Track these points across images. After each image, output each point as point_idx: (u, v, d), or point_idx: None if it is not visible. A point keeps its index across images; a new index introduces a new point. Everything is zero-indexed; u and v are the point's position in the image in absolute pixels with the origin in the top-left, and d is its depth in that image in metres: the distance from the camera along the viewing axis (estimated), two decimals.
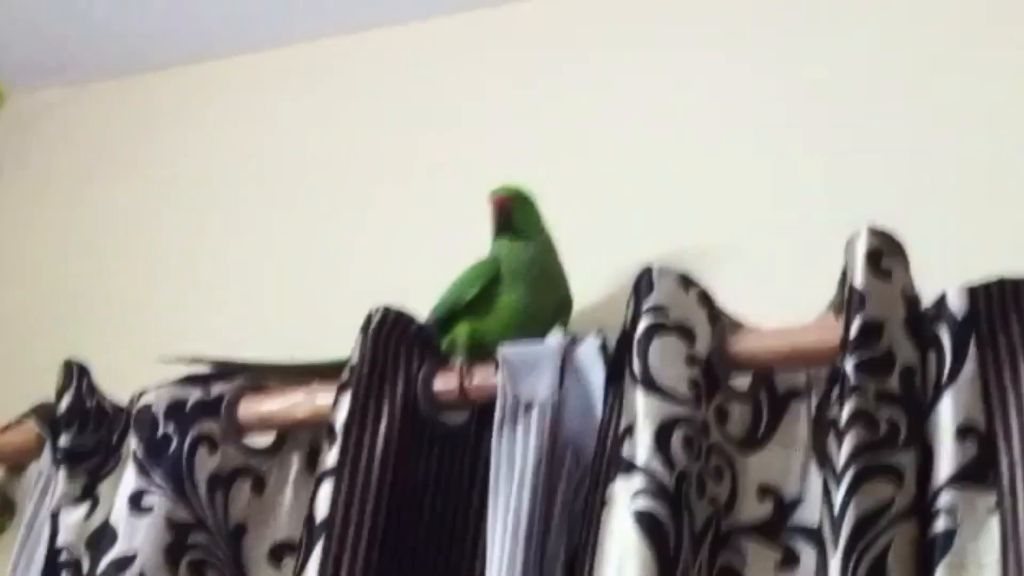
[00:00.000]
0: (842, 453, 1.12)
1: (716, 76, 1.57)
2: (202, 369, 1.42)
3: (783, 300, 1.30)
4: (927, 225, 1.31)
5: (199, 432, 1.37)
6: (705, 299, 1.25)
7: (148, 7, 1.78)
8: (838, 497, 1.11)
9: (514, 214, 1.37)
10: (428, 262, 1.52)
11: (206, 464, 1.36)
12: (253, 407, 1.39)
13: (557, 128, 1.61)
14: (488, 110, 1.66)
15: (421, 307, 1.37)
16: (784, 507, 1.22)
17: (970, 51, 1.48)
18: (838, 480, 1.12)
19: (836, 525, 1.11)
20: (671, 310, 1.22)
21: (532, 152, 1.60)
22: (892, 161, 1.44)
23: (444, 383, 1.32)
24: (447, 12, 1.70)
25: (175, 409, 1.38)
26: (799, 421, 1.24)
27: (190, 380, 1.41)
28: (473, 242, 1.41)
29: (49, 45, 1.85)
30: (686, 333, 1.22)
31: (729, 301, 1.27)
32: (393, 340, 1.33)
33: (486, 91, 1.68)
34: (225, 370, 1.42)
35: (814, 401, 1.24)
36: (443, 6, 1.70)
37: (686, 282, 1.25)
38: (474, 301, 1.37)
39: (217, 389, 1.40)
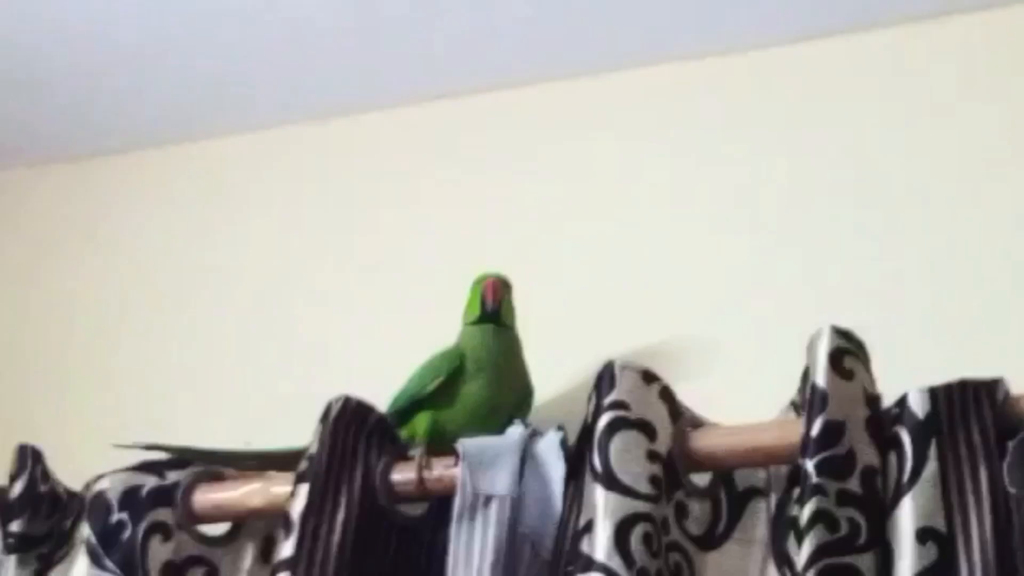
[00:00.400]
0: (802, 553, 1.12)
1: (686, 173, 1.57)
2: (158, 456, 1.40)
3: (746, 398, 1.31)
4: (889, 325, 1.32)
5: (153, 520, 1.35)
6: (667, 395, 1.25)
7: (107, 92, 1.77)
8: None
9: (502, 302, 1.37)
10: (389, 351, 1.51)
11: (159, 552, 1.34)
12: (209, 495, 1.37)
13: (524, 218, 1.61)
14: (455, 199, 1.66)
15: (382, 397, 1.36)
16: None
17: (934, 151, 1.50)
18: None
19: None
20: (632, 406, 1.22)
21: (499, 241, 1.60)
22: (856, 261, 1.45)
23: (403, 475, 1.30)
24: (415, 101, 1.70)
25: (130, 496, 1.36)
26: (758, 520, 1.24)
27: (146, 467, 1.39)
28: (436, 331, 1.41)
29: (7, 126, 1.84)
30: (647, 429, 1.21)
31: (692, 398, 1.27)
32: (352, 430, 1.32)
33: (453, 180, 1.68)
34: (181, 457, 1.40)
35: (774, 500, 1.23)
36: (412, 95, 1.70)
37: (648, 377, 1.24)
38: (436, 391, 1.36)
39: (173, 476, 1.38)
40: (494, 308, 1.37)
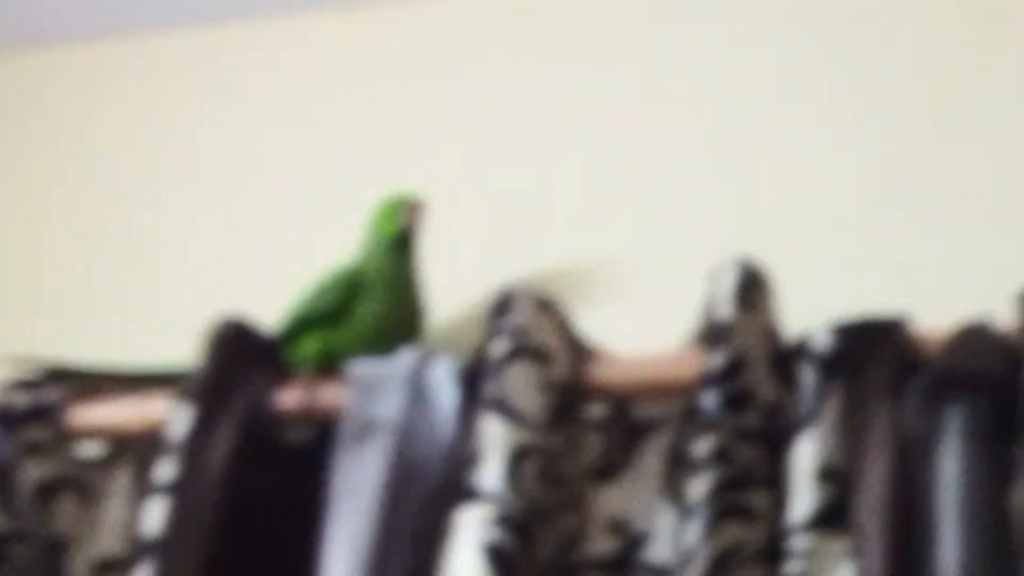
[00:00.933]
0: (698, 491, 1.13)
1: (592, 97, 1.56)
2: (32, 372, 1.38)
3: (650, 328, 1.30)
4: (795, 261, 1.32)
5: (26, 439, 1.33)
6: (564, 323, 1.25)
7: None
8: (692, 536, 1.11)
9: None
10: (282, 271, 1.49)
11: (32, 472, 1.31)
12: (84, 414, 1.34)
13: (427, 138, 1.59)
14: (359, 115, 1.63)
15: (273, 317, 1.35)
16: (633, 543, 1.21)
17: (844, 95, 1.50)
18: (692, 518, 1.12)
19: (688, 564, 1.11)
20: (529, 334, 1.21)
21: (398, 159, 1.58)
22: (767, 195, 1.46)
23: (289, 399, 1.29)
24: (320, 10, 1.66)
25: (2, 414, 1.34)
26: (654, 455, 1.24)
27: (19, 384, 1.36)
28: (331, 251, 1.40)
29: None
30: (543, 358, 1.21)
31: (594, 327, 1.27)
32: (238, 351, 1.30)
33: (356, 95, 1.65)
34: (57, 374, 1.38)
35: (670, 435, 1.23)
36: (317, 4, 1.67)
37: (545, 305, 1.24)
38: (330, 312, 1.35)
39: (47, 394, 1.35)
40: (411, 231, 1.35)
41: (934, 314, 1.20)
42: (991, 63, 1.44)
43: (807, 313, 1.21)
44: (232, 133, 1.67)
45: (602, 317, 1.31)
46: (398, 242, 1.36)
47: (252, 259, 1.58)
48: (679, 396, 1.22)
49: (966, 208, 1.39)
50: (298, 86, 1.66)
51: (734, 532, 1.12)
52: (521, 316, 1.23)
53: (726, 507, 1.12)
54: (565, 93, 1.56)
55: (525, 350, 1.21)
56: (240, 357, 1.31)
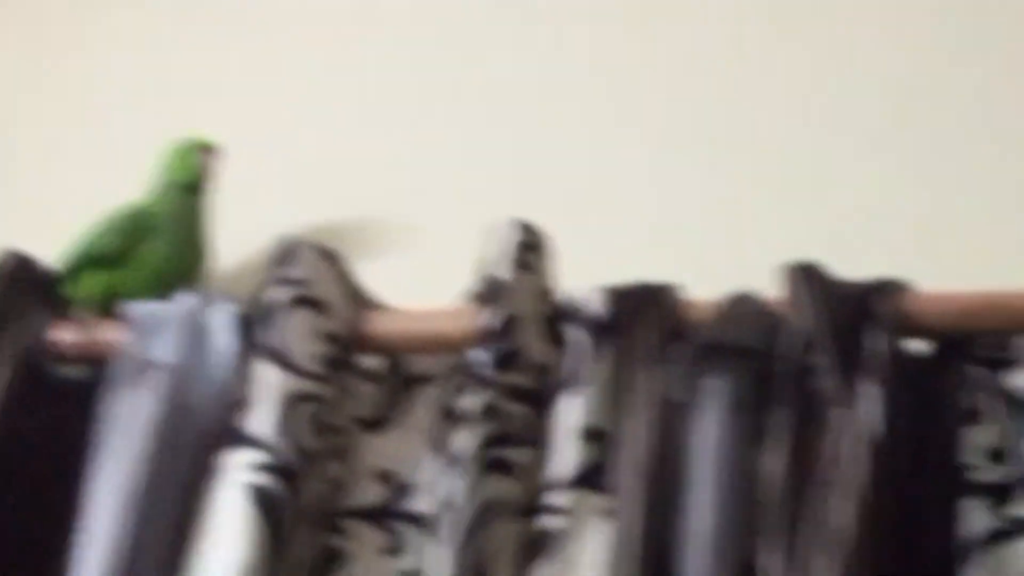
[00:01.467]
0: (464, 445, 1.15)
1: (386, 50, 1.57)
2: None
3: (433, 283, 1.30)
4: (572, 224, 1.33)
5: None
6: (345, 275, 1.25)
7: None
8: (455, 489, 1.13)
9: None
10: (66, 208, 1.46)
11: None
12: None
13: (220, 82, 1.58)
14: (153, 58, 1.62)
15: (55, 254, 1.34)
16: (398, 493, 1.23)
17: (620, 61, 1.54)
18: (457, 472, 1.14)
19: (451, 517, 1.13)
20: (309, 284, 1.22)
21: (191, 101, 1.57)
22: (553, 158, 1.48)
23: (66, 335, 1.27)
24: None
25: None
26: (424, 408, 1.26)
27: None
28: (117, 190, 1.39)
29: None
30: (322, 308, 1.22)
31: (377, 280, 1.28)
32: (16, 286, 1.28)
33: (151, 39, 1.64)
34: None
35: (442, 389, 1.25)
36: None
37: (326, 255, 1.25)
38: (115, 251, 1.33)
39: None
40: (204, 176, 1.35)
41: (706, 284, 1.23)
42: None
43: (582, 276, 1.22)
44: (19, 67, 1.66)
45: (385, 271, 1.31)
46: (189, 186, 1.35)
47: (36, 195, 1.56)
48: (453, 352, 1.23)
49: (742, 178, 1.44)
50: (93, 24, 1.64)
51: (497, 487, 1.14)
52: (302, 266, 1.23)
53: (491, 462, 1.14)
54: (358, 50, 1.57)
55: (304, 300, 1.21)
56: (19, 291, 1.28)
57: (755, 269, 1.23)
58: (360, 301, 1.26)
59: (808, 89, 1.51)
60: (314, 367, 1.19)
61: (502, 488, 1.15)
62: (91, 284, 1.31)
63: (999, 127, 1.45)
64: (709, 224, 1.41)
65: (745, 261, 1.32)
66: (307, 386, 1.18)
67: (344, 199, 1.46)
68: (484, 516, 1.13)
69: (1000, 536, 1.12)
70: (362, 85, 1.56)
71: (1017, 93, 1.48)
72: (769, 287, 1.19)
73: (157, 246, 1.33)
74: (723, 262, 1.34)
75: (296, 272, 1.22)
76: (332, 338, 1.21)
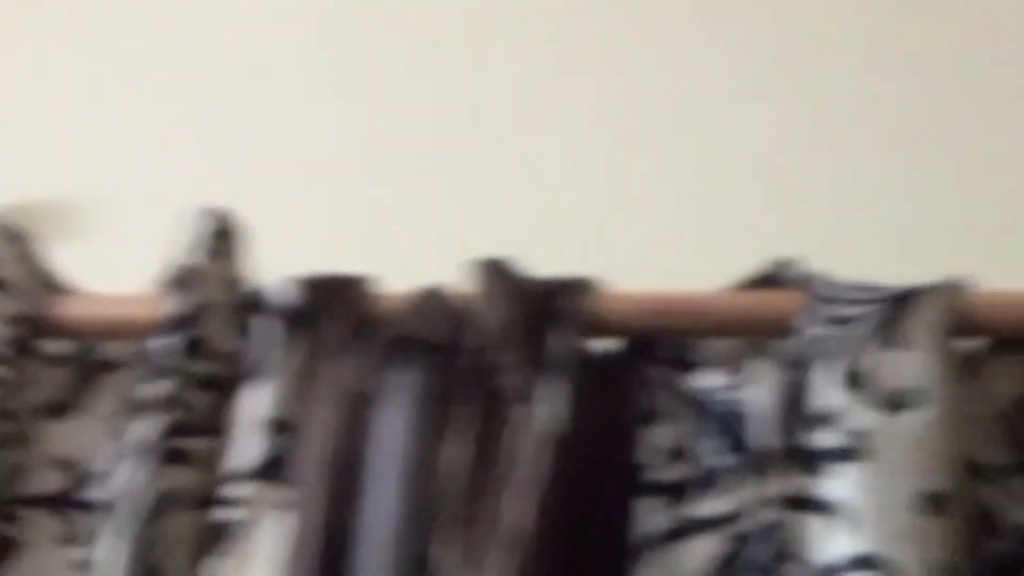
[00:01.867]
0: (144, 434, 1.15)
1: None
2: None
3: (131, 267, 1.25)
4: (271, 215, 1.35)
5: None
6: (30, 258, 1.24)
7: None
8: (134, 478, 1.14)
9: None
10: None
11: None
12: None
13: None
14: None
15: None
16: (78, 481, 1.23)
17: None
18: (136, 460, 1.15)
19: (128, 507, 1.14)
20: None
21: None
22: (246, 149, 1.50)
23: None
24: None
25: None
26: (109, 395, 1.25)
27: None
28: None
29: None
30: (3, 290, 1.21)
31: (73, 262, 1.27)
32: None
33: None
34: None
35: (128, 376, 1.25)
36: None
37: (10, 236, 1.24)
38: None
39: None
40: None
41: (404, 277, 1.24)
42: None
43: (278, 267, 1.23)
44: None
45: (80, 254, 1.30)
46: None
47: None
48: (142, 338, 1.23)
49: (446, 176, 1.47)
50: None
51: (175, 477, 1.15)
52: None
53: (170, 452, 1.15)
54: (50, 31, 1.57)
55: None
56: None
57: (456, 263, 1.27)
58: (48, 284, 1.25)
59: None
60: None
61: (181, 478, 1.15)
62: None
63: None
64: (410, 217, 1.44)
65: (447, 254, 1.35)
66: None
67: (39, 179, 1.46)
68: (161, 506, 1.13)
69: (674, 535, 1.17)
70: (57, 67, 1.56)
71: None
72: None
73: None
74: (425, 255, 1.37)
75: None
76: (15, 320, 1.21)
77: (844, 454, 1.15)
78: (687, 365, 1.26)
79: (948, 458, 1.15)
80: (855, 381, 1.17)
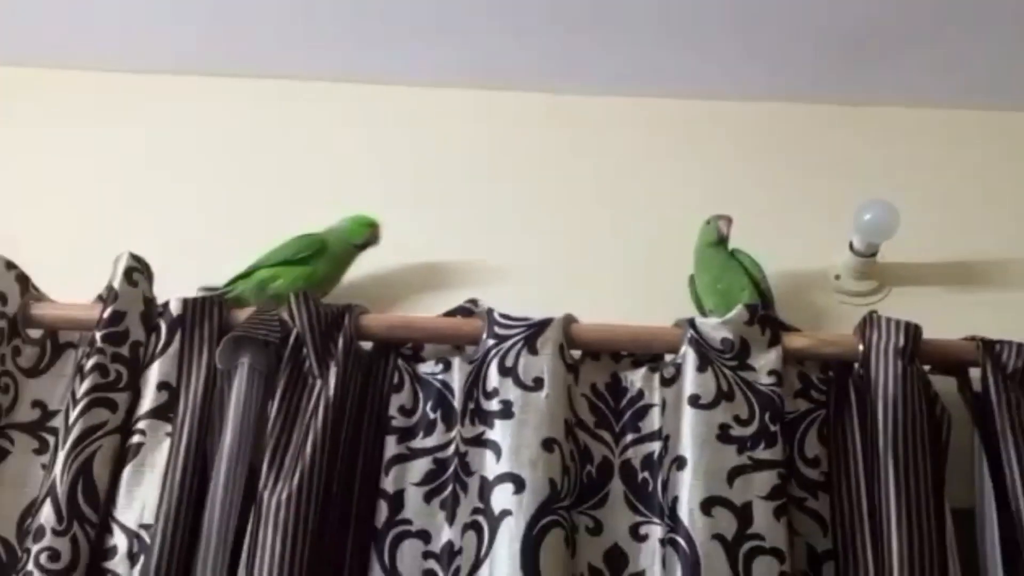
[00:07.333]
0: (81, 388, 1.46)
1: None
2: None
3: (77, 286, 1.60)
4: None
5: None
6: (22, 278, 1.56)
7: None
8: (72, 415, 1.46)
9: None
10: None
11: None
12: None
13: None
14: None
15: None
16: (45, 414, 1.54)
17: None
18: (75, 403, 1.47)
19: (67, 432, 1.46)
20: None
21: None
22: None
23: None
24: None
25: None
26: (69, 361, 1.57)
27: None
28: None
29: None
30: (1, 298, 1.53)
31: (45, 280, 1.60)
32: None
33: None
34: None
35: (80, 352, 1.57)
36: None
37: (9, 265, 1.56)
38: None
39: None
40: None
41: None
42: None
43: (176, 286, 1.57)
44: None
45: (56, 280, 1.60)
46: None
47: None
48: (87, 330, 1.55)
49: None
50: None
51: (101, 415, 1.47)
52: None
53: (97, 400, 1.47)
54: None
55: None
56: None
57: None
58: (29, 294, 1.56)
59: None
60: None
61: (103, 417, 1.47)
62: None
63: None
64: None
65: None
66: None
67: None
68: (90, 433, 1.45)
69: (405, 458, 1.52)
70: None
71: None
72: None
73: None
74: None
75: None
76: (6, 316, 1.52)
77: (502, 414, 1.51)
78: (418, 358, 1.61)
79: (558, 418, 1.50)
80: (509, 372, 1.53)
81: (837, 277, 1.83)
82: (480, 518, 1.46)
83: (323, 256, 1.70)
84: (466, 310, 1.63)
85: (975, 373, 1.58)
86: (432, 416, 1.58)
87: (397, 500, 1.52)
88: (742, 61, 1.92)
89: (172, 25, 1.89)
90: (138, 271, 1.59)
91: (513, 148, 1.95)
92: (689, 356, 1.56)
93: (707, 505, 1.47)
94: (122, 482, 1.50)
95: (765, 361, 1.58)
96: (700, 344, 1.56)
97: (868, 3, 1.82)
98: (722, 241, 1.70)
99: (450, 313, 1.63)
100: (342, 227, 1.74)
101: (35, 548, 1.43)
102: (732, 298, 1.65)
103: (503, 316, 1.58)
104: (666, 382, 1.58)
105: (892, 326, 1.57)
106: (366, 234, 1.74)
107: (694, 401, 1.53)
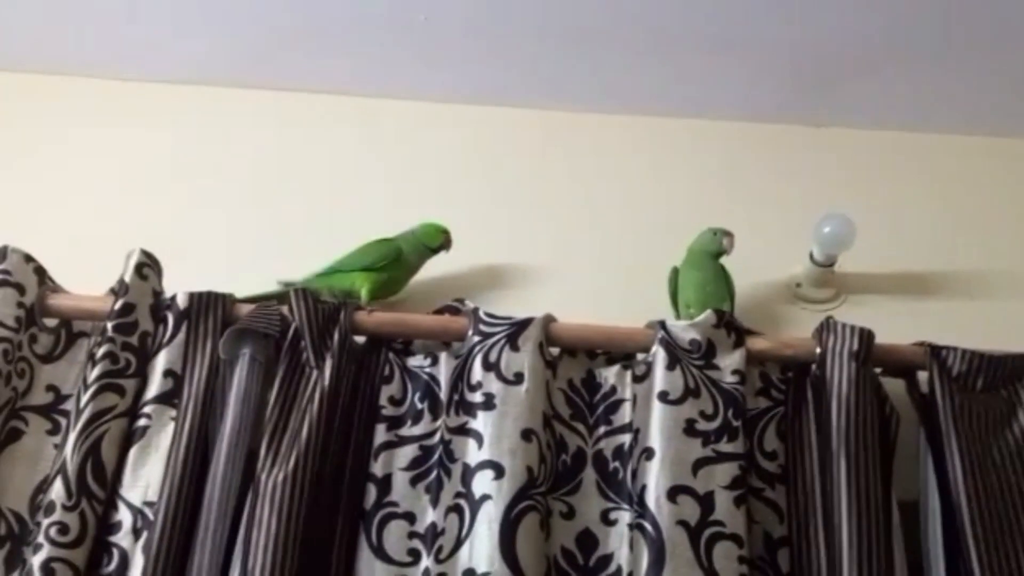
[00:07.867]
0: (92, 374, 1.51)
1: None
2: None
3: (96, 278, 1.64)
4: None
5: None
6: (40, 271, 1.62)
7: None
8: (83, 399, 1.50)
9: None
10: None
11: None
12: None
13: None
14: None
15: None
16: (58, 398, 1.59)
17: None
18: (86, 388, 1.51)
19: (78, 415, 1.51)
20: (13, 273, 1.59)
21: None
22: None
23: None
24: None
25: None
26: (82, 349, 1.62)
27: None
28: None
29: None
30: (20, 289, 1.59)
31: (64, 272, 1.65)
32: None
33: None
34: None
35: (92, 340, 1.62)
36: None
37: (28, 258, 1.62)
38: None
39: None
40: None
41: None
42: None
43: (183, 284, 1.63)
44: None
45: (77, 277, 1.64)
46: None
47: None
48: (99, 320, 1.60)
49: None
50: None
51: (110, 399, 1.52)
52: (11, 263, 1.58)
53: (108, 384, 1.52)
54: None
55: (10, 283, 1.57)
56: None
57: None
58: (46, 285, 1.62)
59: None
60: (10, 323, 1.55)
61: (112, 401, 1.52)
62: None
63: None
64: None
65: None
66: (4, 333, 1.54)
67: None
68: (97, 417, 1.50)
69: (394, 445, 1.57)
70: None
71: None
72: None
73: None
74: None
75: (5, 266, 1.58)
76: (24, 306, 1.58)
77: (485, 406, 1.56)
78: (408, 352, 1.67)
79: (536, 410, 1.56)
80: (492, 366, 1.59)
81: (798, 285, 1.91)
82: (462, 501, 1.52)
83: (399, 262, 1.77)
84: (453, 308, 1.69)
85: (923, 376, 1.65)
86: (419, 406, 1.63)
87: (385, 483, 1.58)
88: (716, 84, 2.02)
89: (197, 38, 1.98)
90: (148, 266, 1.65)
91: (503, 159, 2.04)
92: (659, 355, 1.62)
93: (672, 493, 1.53)
94: (128, 462, 1.55)
95: (730, 361, 1.64)
96: (670, 344, 1.63)
97: (831, 34, 1.92)
98: (720, 254, 1.79)
99: (438, 311, 1.70)
100: (417, 233, 1.80)
101: (46, 522, 1.48)
102: (713, 303, 1.73)
103: (487, 315, 1.65)
104: (637, 379, 1.64)
105: (847, 331, 1.64)
106: (441, 239, 1.80)
107: (663, 397, 1.60)
